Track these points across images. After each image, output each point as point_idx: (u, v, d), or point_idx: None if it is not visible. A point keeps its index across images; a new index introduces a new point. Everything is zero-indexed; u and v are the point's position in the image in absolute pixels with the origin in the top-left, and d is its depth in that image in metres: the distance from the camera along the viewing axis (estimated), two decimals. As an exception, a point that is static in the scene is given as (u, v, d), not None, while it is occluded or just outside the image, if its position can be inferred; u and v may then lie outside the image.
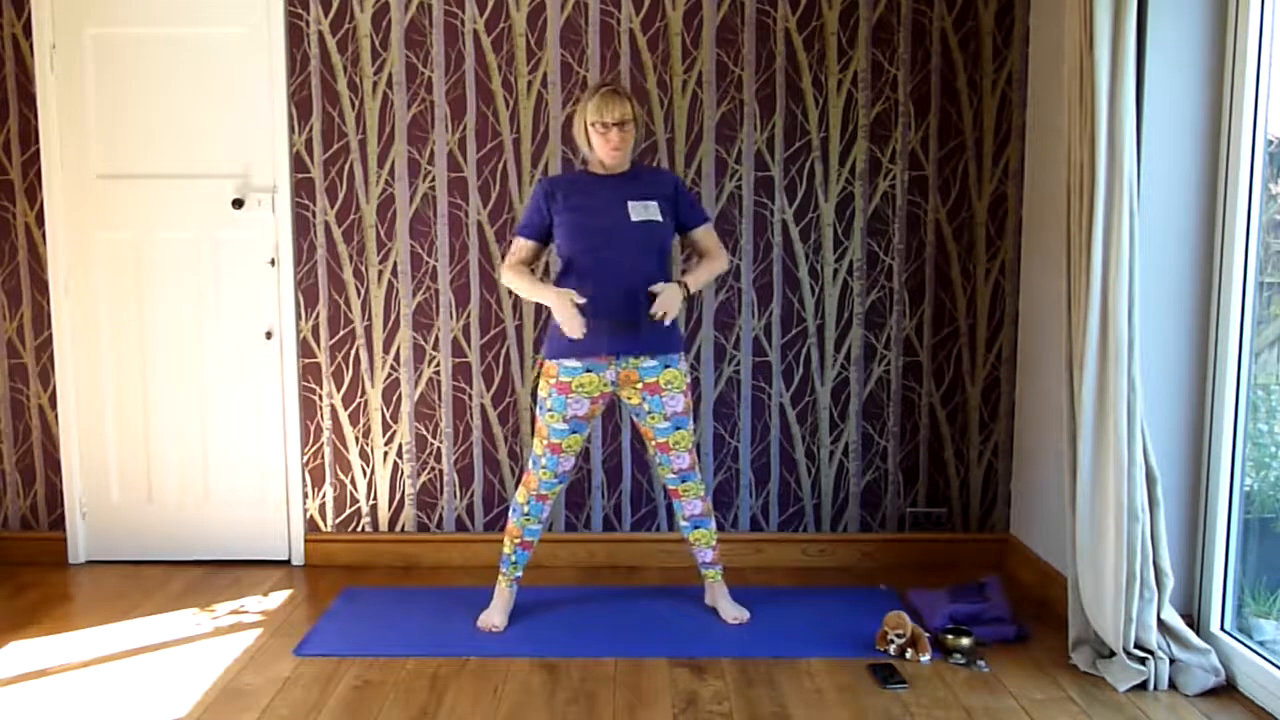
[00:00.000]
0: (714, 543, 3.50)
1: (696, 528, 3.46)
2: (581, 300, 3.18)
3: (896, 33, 3.82)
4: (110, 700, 2.93)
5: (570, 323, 3.16)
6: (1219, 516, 3.07)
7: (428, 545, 4.03)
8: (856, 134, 3.86)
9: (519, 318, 3.93)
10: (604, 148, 3.25)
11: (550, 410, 3.30)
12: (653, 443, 3.39)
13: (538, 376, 3.90)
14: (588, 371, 3.27)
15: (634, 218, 3.24)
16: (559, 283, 3.29)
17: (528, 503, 3.40)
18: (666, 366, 3.30)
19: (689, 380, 3.38)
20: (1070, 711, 2.84)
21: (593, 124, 3.24)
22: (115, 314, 3.98)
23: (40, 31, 3.85)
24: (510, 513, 3.45)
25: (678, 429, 3.35)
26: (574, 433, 3.32)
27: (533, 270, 3.45)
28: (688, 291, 3.28)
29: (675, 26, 3.82)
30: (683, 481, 3.41)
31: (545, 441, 3.33)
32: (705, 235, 3.41)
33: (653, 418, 3.34)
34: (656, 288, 3.22)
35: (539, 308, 3.90)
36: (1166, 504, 3.00)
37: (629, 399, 3.35)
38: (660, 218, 3.27)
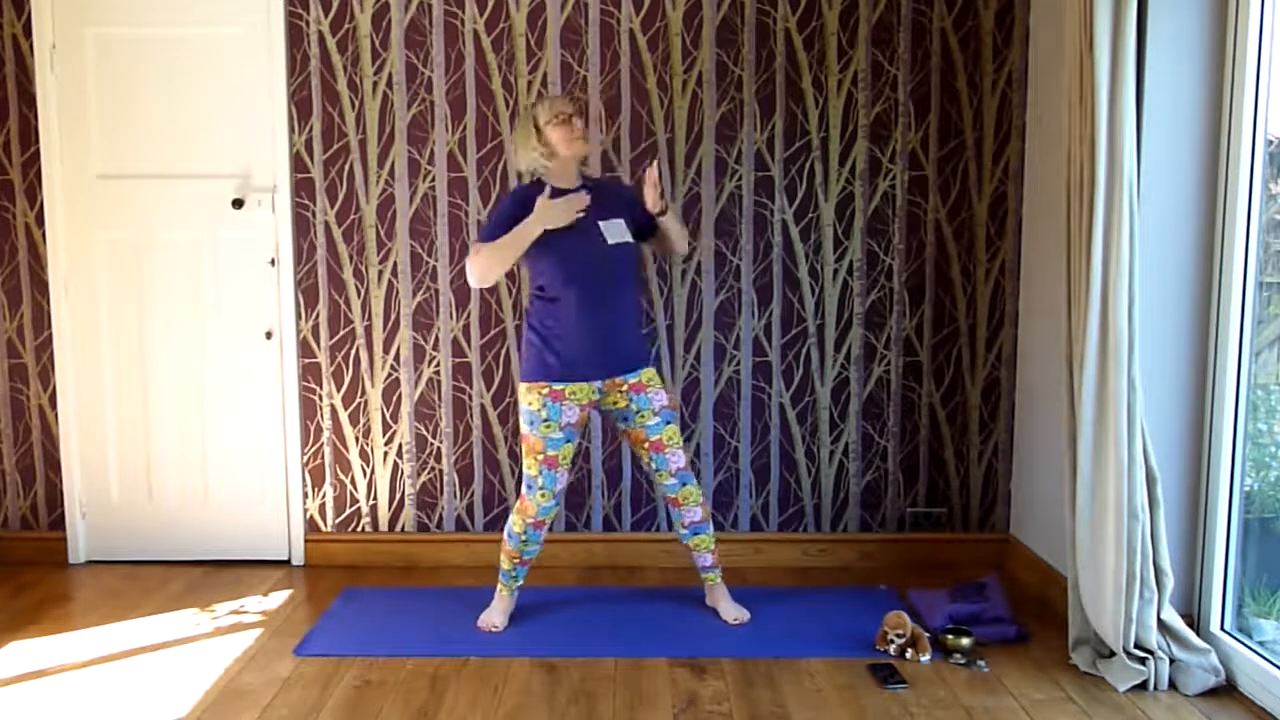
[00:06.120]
0: (713, 546, 3.49)
1: (696, 534, 3.45)
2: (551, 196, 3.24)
3: (896, 33, 3.82)
4: (110, 700, 2.93)
5: (564, 206, 3.21)
6: (1219, 516, 3.07)
7: (428, 545, 4.03)
8: (856, 134, 3.86)
9: (519, 318, 3.93)
10: (567, 138, 3.26)
11: (546, 420, 3.26)
12: (646, 446, 3.37)
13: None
14: (575, 381, 3.28)
15: (610, 240, 3.27)
16: (540, 309, 3.30)
17: (524, 532, 3.36)
18: (643, 368, 3.36)
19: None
20: (1070, 711, 2.84)
21: (548, 122, 3.26)
22: (115, 314, 3.98)
23: (40, 31, 3.85)
24: (506, 537, 3.41)
25: (667, 424, 3.36)
26: (567, 441, 3.31)
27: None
28: (662, 212, 3.35)
29: (675, 26, 3.82)
30: (682, 485, 3.39)
31: (540, 457, 3.29)
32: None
33: (642, 415, 3.34)
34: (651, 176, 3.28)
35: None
36: (1166, 504, 3.00)
37: (615, 404, 3.34)
38: (630, 238, 3.33)
